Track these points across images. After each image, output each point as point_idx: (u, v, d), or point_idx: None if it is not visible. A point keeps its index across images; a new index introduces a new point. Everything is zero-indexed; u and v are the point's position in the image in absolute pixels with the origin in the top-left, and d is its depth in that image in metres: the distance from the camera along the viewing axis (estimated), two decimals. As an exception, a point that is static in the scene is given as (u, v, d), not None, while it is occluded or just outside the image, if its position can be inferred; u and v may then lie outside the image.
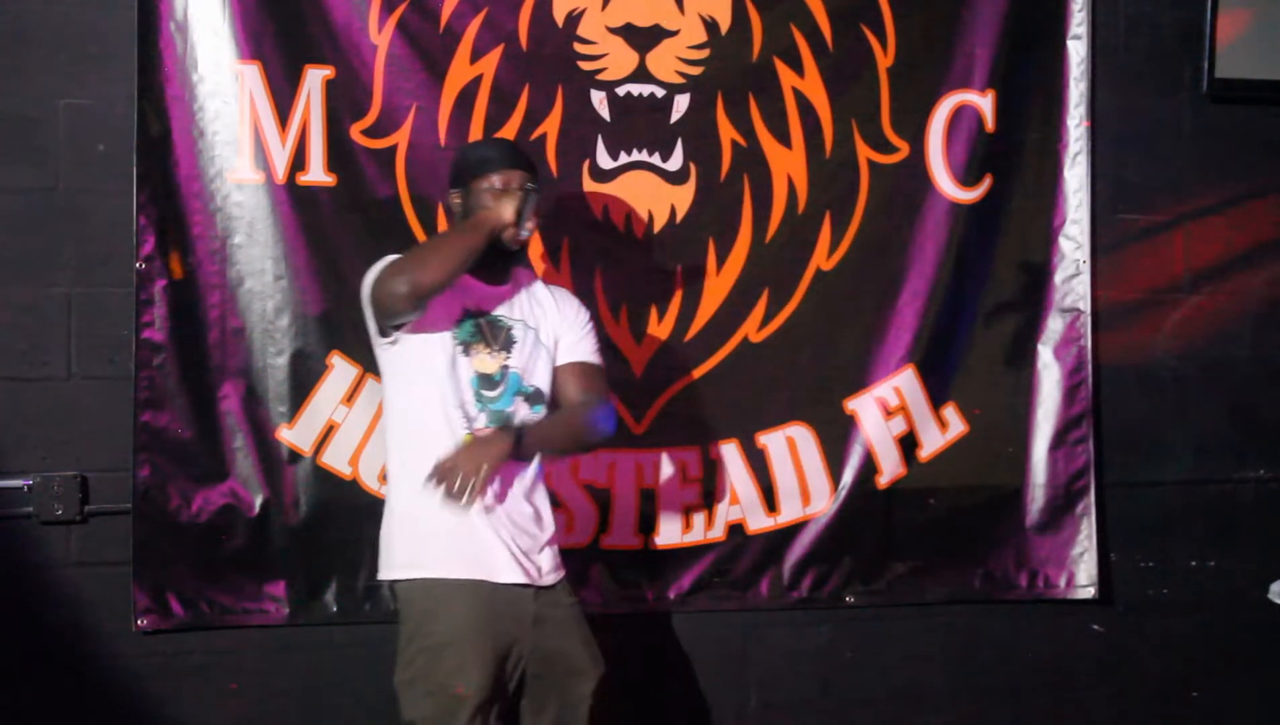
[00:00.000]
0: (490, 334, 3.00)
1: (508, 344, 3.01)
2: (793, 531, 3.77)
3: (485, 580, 2.88)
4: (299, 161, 3.43)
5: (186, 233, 3.39)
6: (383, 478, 3.47)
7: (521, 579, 2.92)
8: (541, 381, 3.05)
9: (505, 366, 2.99)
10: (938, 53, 3.81)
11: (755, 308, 3.73)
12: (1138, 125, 4.03)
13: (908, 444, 3.83)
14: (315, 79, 3.43)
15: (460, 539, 2.88)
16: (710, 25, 3.65)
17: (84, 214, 3.39)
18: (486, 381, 2.97)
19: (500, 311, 3.03)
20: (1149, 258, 4.06)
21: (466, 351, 2.95)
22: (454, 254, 2.84)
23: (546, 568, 2.99)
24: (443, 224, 3.52)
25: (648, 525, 3.67)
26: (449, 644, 2.84)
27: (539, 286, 3.15)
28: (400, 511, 2.95)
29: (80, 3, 3.38)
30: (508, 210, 2.91)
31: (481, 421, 2.93)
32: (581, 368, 3.12)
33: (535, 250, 3.59)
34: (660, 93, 3.62)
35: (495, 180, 2.98)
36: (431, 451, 2.83)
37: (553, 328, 3.10)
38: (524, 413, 2.99)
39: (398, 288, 2.78)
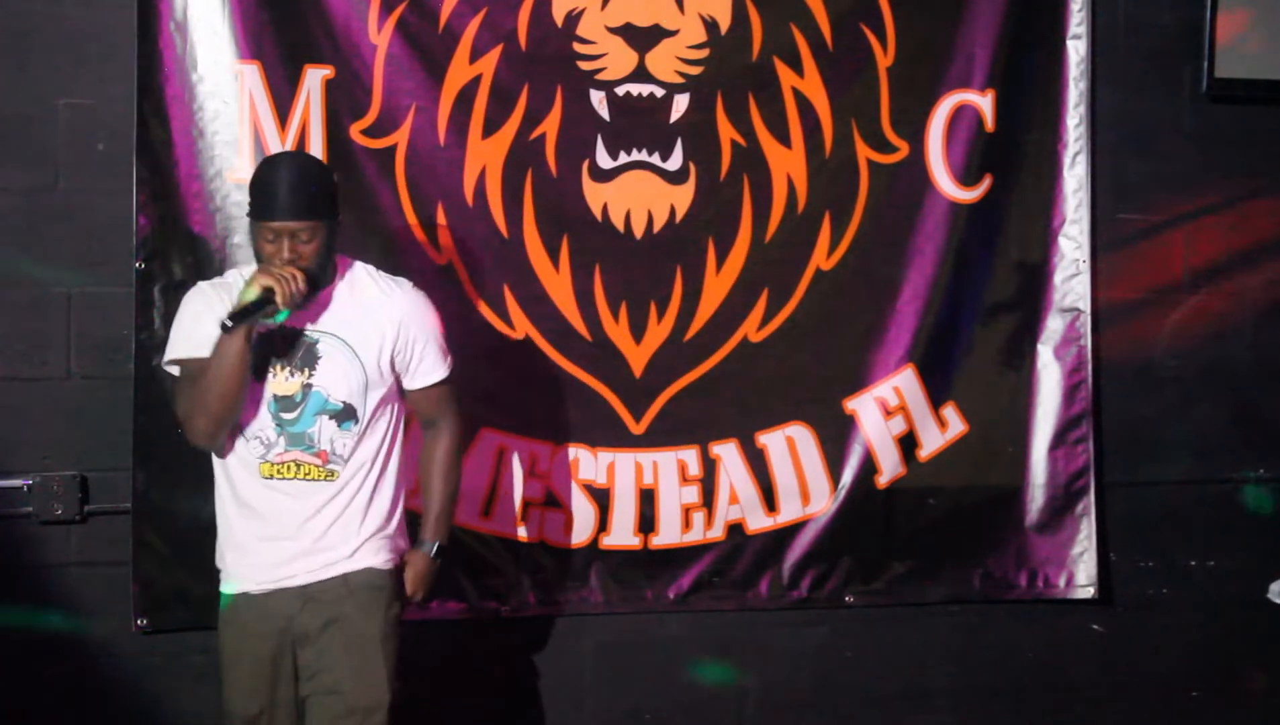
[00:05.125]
0: (287, 351, 2.80)
1: (310, 361, 2.81)
2: (792, 531, 3.77)
3: (248, 592, 2.84)
4: (299, 161, 3.43)
5: (187, 233, 3.39)
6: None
7: (281, 586, 2.83)
8: (355, 396, 2.84)
9: (308, 385, 2.81)
10: (938, 53, 3.81)
11: (755, 308, 3.73)
12: (1138, 125, 4.02)
13: (907, 444, 3.83)
14: (315, 79, 3.43)
15: (235, 548, 2.87)
16: (710, 25, 3.65)
17: (84, 214, 3.39)
18: (286, 403, 2.80)
19: (306, 324, 2.81)
20: (1149, 258, 4.06)
21: (258, 374, 2.78)
22: (221, 383, 2.70)
23: (320, 563, 2.84)
24: (442, 229, 3.53)
25: (647, 525, 3.68)
26: (222, 662, 2.89)
27: (368, 283, 2.92)
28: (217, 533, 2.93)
29: (80, 3, 3.38)
30: (257, 286, 2.67)
31: (280, 446, 2.80)
32: (432, 394, 3.00)
33: (535, 249, 3.59)
34: (660, 92, 3.62)
35: (260, 228, 2.77)
36: (233, 481, 2.84)
37: (378, 340, 2.86)
38: (330, 432, 2.82)
39: (200, 443, 2.81)
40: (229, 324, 2.65)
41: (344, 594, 2.85)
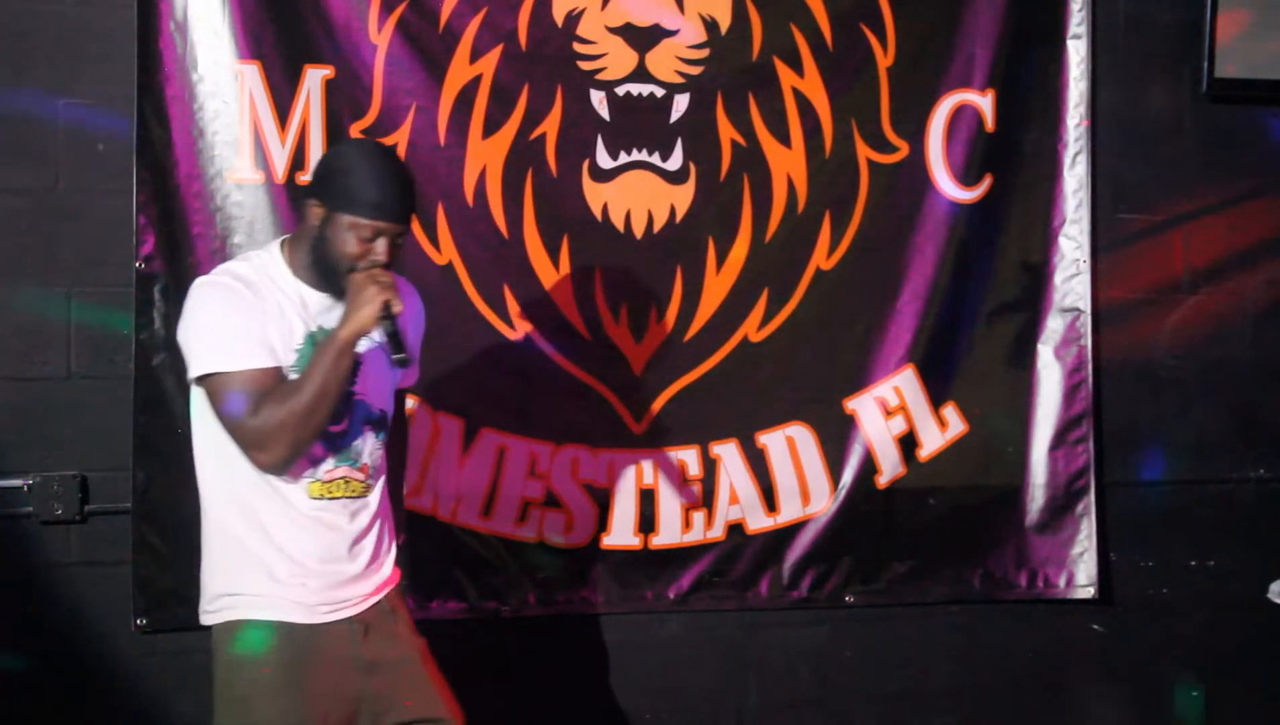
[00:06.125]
0: None
1: (354, 366, 2.56)
2: (792, 531, 3.77)
3: (299, 623, 2.55)
4: (299, 161, 3.43)
5: (186, 233, 3.39)
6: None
7: (339, 615, 2.60)
8: (388, 402, 2.69)
9: (351, 393, 2.58)
10: (938, 52, 3.81)
11: (755, 307, 3.73)
12: (1138, 125, 4.03)
13: (907, 444, 3.83)
14: (315, 79, 3.43)
15: (271, 576, 2.55)
16: (710, 25, 3.65)
17: (84, 214, 3.39)
18: (334, 416, 2.54)
19: None
20: (1149, 258, 4.06)
21: None
22: (325, 405, 2.45)
23: (371, 587, 2.66)
24: (442, 229, 3.53)
25: (648, 525, 3.67)
26: (255, 696, 2.53)
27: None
28: (220, 553, 2.59)
29: (80, 3, 3.38)
30: (374, 306, 2.45)
31: (329, 462, 2.58)
32: (400, 396, 2.84)
33: (535, 249, 3.59)
34: (660, 92, 3.62)
35: (364, 227, 2.50)
36: (268, 503, 2.54)
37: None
38: (370, 443, 2.64)
39: (269, 468, 2.48)
40: (403, 357, 2.49)
41: (389, 613, 2.68)
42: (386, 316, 2.48)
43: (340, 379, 2.47)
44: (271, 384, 2.48)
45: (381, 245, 2.51)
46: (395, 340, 2.51)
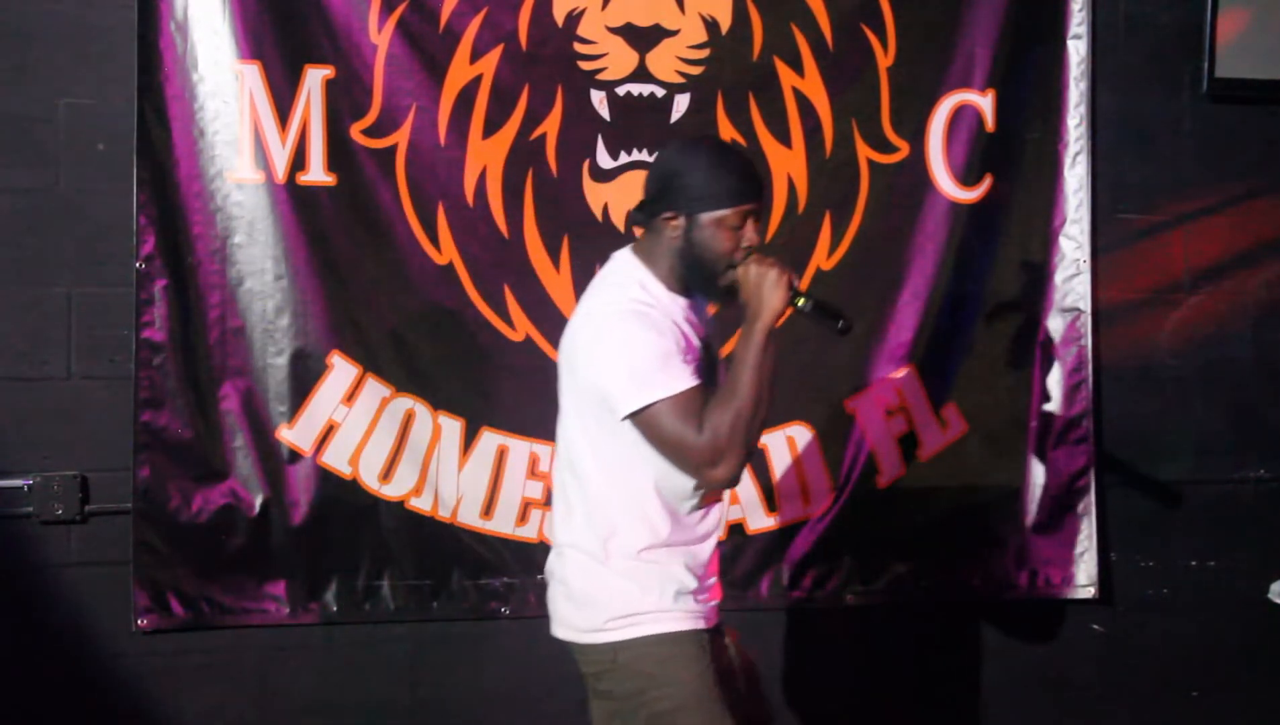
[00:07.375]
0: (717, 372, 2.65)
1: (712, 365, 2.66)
2: (793, 531, 3.77)
3: (705, 630, 2.60)
4: (299, 161, 3.43)
5: (186, 233, 3.39)
6: (384, 478, 3.49)
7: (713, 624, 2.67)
8: None
9: None
10: (938, 52, 3.81)
11: (755, 308, 3.72)
12: (1138, 125, 4.03)
13: (908, 444, 3.83)
14: (315, 79, 3.43)
15: (682, 588, 2.58)
16: (710, 25, 3.65)
17: (84, 214, 3.39)
18: None
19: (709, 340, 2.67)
20: (1149, 258, 4.06)
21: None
22: (765, 401, 2.45)
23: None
24: (443, 229, 3.52)
25: (648, 525, 3.67)
26: (708, 696, 2.55)
27: None
28: (632, 572, 2.56)
29: (80, 3, 3.38)
30: (782, 288, 2.47)
31: None
32: None
33: (536, 249, 3.59)
34: (660, 92, 3.62)
35: (730, 216, 2.53)
36: (668, 515, 2.56)
37: None
38: None
39: (725, 478, 2.47)
40: (846, 324, 2.53)
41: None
42: (798, 294, 2.50)
43: (771, 372, 2.46)
44: (702, 400, 2.47)
45: (750, 227, 2.53)
46: (827, 310, 2.53)
